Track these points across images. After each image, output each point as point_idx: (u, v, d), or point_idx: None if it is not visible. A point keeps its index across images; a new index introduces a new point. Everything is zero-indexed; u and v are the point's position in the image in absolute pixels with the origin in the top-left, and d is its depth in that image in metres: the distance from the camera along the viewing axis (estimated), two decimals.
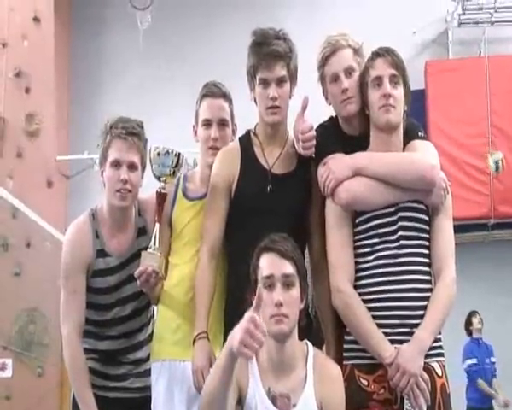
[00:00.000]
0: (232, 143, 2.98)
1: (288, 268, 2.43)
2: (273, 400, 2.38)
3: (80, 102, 8.71)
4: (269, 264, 2.44)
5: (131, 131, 2.85)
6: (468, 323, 7.98)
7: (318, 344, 2.75)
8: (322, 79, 2.84)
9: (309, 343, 2.53)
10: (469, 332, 7.99)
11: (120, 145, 2.84)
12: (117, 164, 2.84)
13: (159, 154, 2.81)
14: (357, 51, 2.79)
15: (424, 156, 2.65)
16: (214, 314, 2.80)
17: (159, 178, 2.83)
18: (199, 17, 8.71)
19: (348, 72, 2.75)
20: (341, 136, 2.83)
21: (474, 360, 7.80)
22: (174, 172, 2.85)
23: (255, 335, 2.08)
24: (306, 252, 2.88)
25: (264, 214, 2.73)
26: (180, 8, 8.69)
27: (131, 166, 2.85)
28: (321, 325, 2.84)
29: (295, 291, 2.44)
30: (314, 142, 2.76)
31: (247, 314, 2.13)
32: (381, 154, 2.65)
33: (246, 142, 2.92)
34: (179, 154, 2.83)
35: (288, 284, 2.42)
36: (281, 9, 8.36)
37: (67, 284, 2.91)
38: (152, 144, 2.90)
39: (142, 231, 3.00)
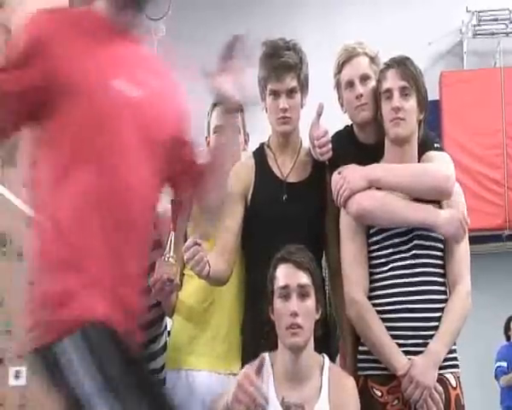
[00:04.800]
0: (246, 158, 2.98)
1: (304, 279, 2.45)
2: (287, 409, 2.38)
3: None
4: (284, 274, 2.46)
5: None
6: (508, 328, 7.96)
7: (334, 353, 2.75)
8: (337, 85, 2.84)
9: (325, 356, 2.54)
10: (508, 337, 7.97)
11: None
12: None
13: None
14: (373, 60, 2.79)
15: (439, 167, 2.64)
16: (231, 325, 2.82)
17: None
18: (213, 27, 8.72)
19: (363, 79, 2.75)
20: (356, 144, 2.83)
21: (504, 364, 7.75)
22: None
23: (249, 392, 2.15)
24: (323, 261, 2.88)
25: (280, 223, 2.73)
26: (195, 18, 8.71)
27: None
28: (336, 333, 2.84)
29: (310, 302, 2.45)
30: (330, 146, 2.75)
31: (243, 371, 2.25)
32: (397, 165, 2.64)
33: (259, 154, 2.93)
34: None
35: (303, 295, 2.44)
36: (296, 20, 8.36)
37: None
38: None
39: (157, 244, 3.00)
